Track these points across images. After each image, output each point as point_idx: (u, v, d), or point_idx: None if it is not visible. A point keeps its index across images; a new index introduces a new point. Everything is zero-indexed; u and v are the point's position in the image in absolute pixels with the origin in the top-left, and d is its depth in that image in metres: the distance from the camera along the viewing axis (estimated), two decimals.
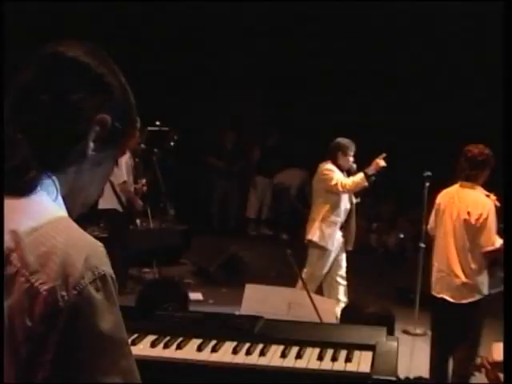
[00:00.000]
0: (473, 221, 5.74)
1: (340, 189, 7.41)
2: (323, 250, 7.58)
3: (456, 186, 6.04)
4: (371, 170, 7.44)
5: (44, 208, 1.32)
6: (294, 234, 13.99)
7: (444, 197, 6.16)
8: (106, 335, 1.23)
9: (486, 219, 5.70)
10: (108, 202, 8.96)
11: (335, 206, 7.58)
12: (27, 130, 1.37)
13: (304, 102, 13.70)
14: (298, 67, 13.77)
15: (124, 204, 8.96)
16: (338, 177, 7.44)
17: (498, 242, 5.70)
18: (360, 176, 7.42)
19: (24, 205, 1.30)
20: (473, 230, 5.76)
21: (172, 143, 10.73)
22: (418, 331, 7.99)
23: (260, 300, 4.30)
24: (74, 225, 1.33)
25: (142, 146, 10.08)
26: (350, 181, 7.45)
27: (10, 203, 1.29)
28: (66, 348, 1.20)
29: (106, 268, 1.28)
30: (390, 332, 3.74)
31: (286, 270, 8.67)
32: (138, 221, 10.64)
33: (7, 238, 1.24)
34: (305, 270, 7.39)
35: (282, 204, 14.18)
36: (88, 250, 1.27)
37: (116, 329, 1.26)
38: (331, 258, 7.63)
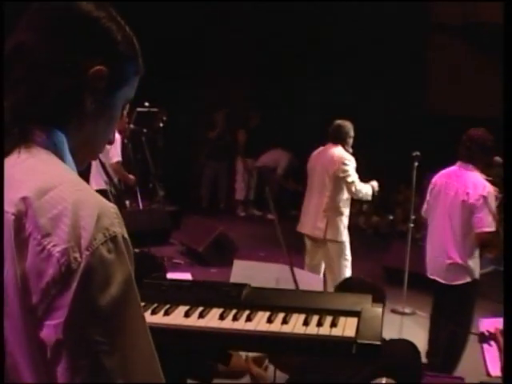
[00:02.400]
0: (471, 201, 5.71)
1: (352, 190, 7.22)
2: (343, 245, 7.40)
3: (454, 168, 6.04)
4: (375, 188, 7.49)
5: (51, 168, 1.32)
6: (280, 214, 14.19)
7: (441, 178, 6.14)
8: (117, 296, 1.23)
9: (485, 201, 5.67)
10: (98, 183, 8.91)
11: (348, 198, 7.38)
12: (18, 87, 1.36)
13: (287, 80, 13.76)
14: (284, 45, 13.83)
15: (116, 185, 8.89)
16: (354, 175, 7.22)
17: (494, 226, 5.69)
18: (370, 190, 7.36)
19: (29, 168, 1.30)
20: (470, 211, 5.74)
21: (161, 124, 10.72)
22: (407, 310, 8.06)
23: (248, 276, 4.33)
24: (85, 185, 1.32)
25: (131, 126, 10.09)
26: (363, 190, 7.29)
27: (14, 169, 1.30)
28: (80, 309, 1.20)
29: (117, 229, 1.27)
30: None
31: (275, 250, 8.68)
32: (127, 202, 10.63)
33: (18, 203, 1.24)
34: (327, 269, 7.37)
35: (268, 186, 14.25)
36: (99, 211, 1.26)
37: (126, 289, 1.25)
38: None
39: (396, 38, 12.77)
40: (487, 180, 5.87)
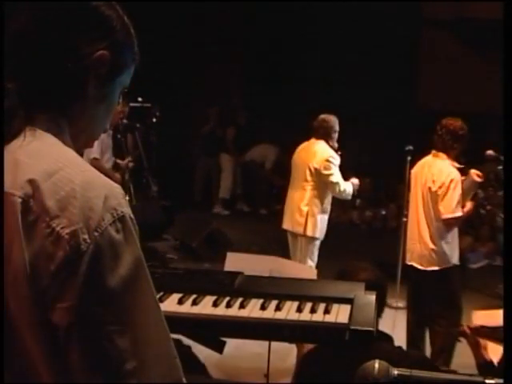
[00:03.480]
0: (436, 188, 5.89)
1: (336, 192, 7.06)
2: (313, 241, 7.19)
3: (428, 157, 6.18)
4: (355, 186, 7.30)
5: (56, 150, 1.32)
6: (271, 209, 14.22)
7: (417, 168, 6.32)
8: (127, 276, 1.23)
9: (448, 187, 5.82)
10: None
11: (328, 194, 7.20)
12: (22, 73, 1.36)
13: (276, 76, 13.79)
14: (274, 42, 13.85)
15: None
16: (338, 175, 7.03)
17: (459, 211, 5.85)
18: (351, 188, 7.18)
19: (34, 150, 1.29)
20: (436, 198, 5.90)
21: (154, 119, 10.72)
22: (400, 304, 8.04)
23: (241, 268, 4.34)
24: (89, 166, 1.32)
25: (124, 121, 10.07)
26: (347, 189, 7.10)
27: (19, 152, 1.29)
28: (90, 291, 1.20)
29: (125, 209, 1.28)
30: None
31: (269, 244, 8.79)
32: None
33: (25, 186, 1.23)
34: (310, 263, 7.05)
35: (257, 181, 14.25)
36: (106, 192, 1.26)
37: (135, 269, 1.25)
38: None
39: (388, 34, 12.79)
40: (458, 168, 5.97)
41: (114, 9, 1.47)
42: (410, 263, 6.22)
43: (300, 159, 7.32)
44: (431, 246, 5.97)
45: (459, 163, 6.04)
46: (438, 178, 5.89)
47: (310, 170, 7.08)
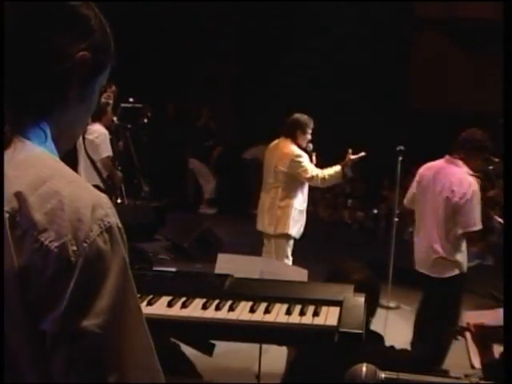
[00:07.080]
0: (456, 199, 5.68)
1: (316, 182, 6.95)
2: (289, 238, 7.12)
3: (441, 161, 5.96)
4: (348, 164, 7.01)
5: (41, 160, 1.30)
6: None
7: (428, 171, 6.05)
8: (114, 289, 1.23)
9: (471, 200, 5.66)
10: (89, 179, 8.83)
11: (304, 192, 7.13)
12: (8, 80, 1.33)
13: (272, 76, 13.80)
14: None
15: (105, 180, 8.84)
16: (311, 168, 6.92)
17: (480, 224, 5.69)
18: (336, 170, 6.97)
19: (19, 162, 1.27)
20: (455, 209, 5.71)
21: (146, 120, 10.73)
22: (391, 305, 8.06)
23: (232, 269, 4.34)
24: (76, 176, 1.32)
25: (116, 121, 10.07)
26: (327, 175, 6.92)
27: (5, 165, 1.26)
28: (77, 303, 1.20)
29: (112, 218, 1.27)
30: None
31: (260, 245, 8.78)
32: (112, 198, 10.61)
33: (12, 200, 1.22)
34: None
35: (254, 180, 14.22)
36: (93, 202, 1.25)
37: (122, 281, 1.25)
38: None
39: (380, 33, 12.80)
40: (474, 176, 5.83)
41: (91, 8, 1.45)
42: (420, 270, 6.04)
43: (267, 160, 7.27)
44: (444, 254, 5.82)
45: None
46: (459, 189, 5.69)
47: (276, 171, 7.02)
